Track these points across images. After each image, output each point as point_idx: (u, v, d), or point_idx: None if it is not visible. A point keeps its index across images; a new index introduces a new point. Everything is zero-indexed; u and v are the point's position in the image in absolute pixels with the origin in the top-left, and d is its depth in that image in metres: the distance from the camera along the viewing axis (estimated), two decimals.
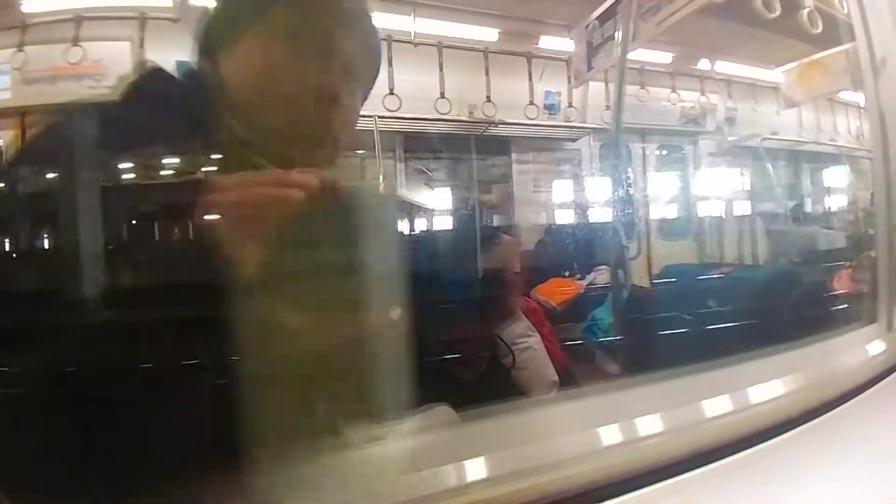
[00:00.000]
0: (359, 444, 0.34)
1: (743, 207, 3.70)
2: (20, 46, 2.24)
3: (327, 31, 0.47)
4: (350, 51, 0.48)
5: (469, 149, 3.46)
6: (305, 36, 0.46)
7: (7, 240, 0.32)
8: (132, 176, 0.36)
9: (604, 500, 0.27)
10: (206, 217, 0.29)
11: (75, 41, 2.25)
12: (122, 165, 0.34)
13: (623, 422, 0.35)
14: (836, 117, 4.09)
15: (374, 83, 0.55)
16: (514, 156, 3.46)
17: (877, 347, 0.61)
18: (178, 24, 2.14)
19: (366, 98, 0.55)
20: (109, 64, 2.28)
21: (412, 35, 2.74)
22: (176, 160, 0.34)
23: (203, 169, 0.31)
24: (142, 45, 2.30)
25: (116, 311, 0.27)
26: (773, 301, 1.62)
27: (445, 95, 2.90)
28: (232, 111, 0.44)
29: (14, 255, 0.31)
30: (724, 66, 3.83)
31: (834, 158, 4.16)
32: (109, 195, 0.33)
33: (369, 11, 0.51)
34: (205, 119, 0.42)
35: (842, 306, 1.50)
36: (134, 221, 0.32)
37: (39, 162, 0.37)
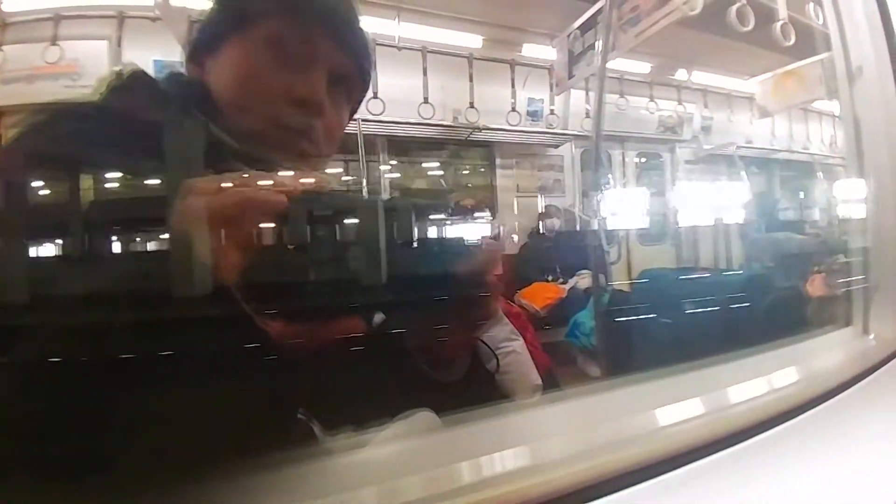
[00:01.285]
0: (340, 451, 0.34)
1: (718, 214, 3.80)
2: None
3: (314, 41, 0.46)
4: (337, 61, 0.48)
5: (452, 153, 3.48)
6: (291, 45, 0.45)
7: None
8: (109, 180, 0.35)
9: (587, 502, 0.27)
10: (182, 221, 0.28)
11: (53, 40, 2.19)
12: (98, 168, 0.33)
13: (605, 423, 0.35)
14: (810, 126, 4.25)
15: (364, 94, 0.55)
16: (497, 161, 3.49)
17: (852, 350, 0.63)
18: (157, 24, 2.10)
19: (356, 109, 0.54)
20: (86, 63, 2.23)
21: (396, 39, 2.75)
22: (154, 164, 0.33)
23: (183, 174, 0.30)
24: (119, 44, 2.25)
25: (82, 316, 0.26)
26: (748, 304, 1.67)
27: (429, 100, 2.91)
28: (215, 116, 0.44)
29: None
30: (701, 77, 3.95)
31: (807, 166, 4.32)
32: (86, 199, 0.32)
33: (359, 21, 0.51)
34: (186, 123, 0.41)
35: (816, 309, 1.55)
36: (110, 226, 0.31)
37: (14, 164, 0.36)
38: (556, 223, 3.22)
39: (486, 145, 3.44)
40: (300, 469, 0.29)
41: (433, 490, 0.26)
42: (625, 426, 0.34)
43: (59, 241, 0.29)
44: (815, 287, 1.64)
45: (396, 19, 2.69)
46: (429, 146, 3.35)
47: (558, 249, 3.09)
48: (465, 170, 3.61)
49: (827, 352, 0.63)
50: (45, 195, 0.31)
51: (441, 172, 3.50)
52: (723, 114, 4.08)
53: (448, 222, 0.34)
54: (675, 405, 0.39)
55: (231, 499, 0.26)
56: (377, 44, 2.59)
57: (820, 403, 0.47)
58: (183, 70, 0.49)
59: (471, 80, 3.06)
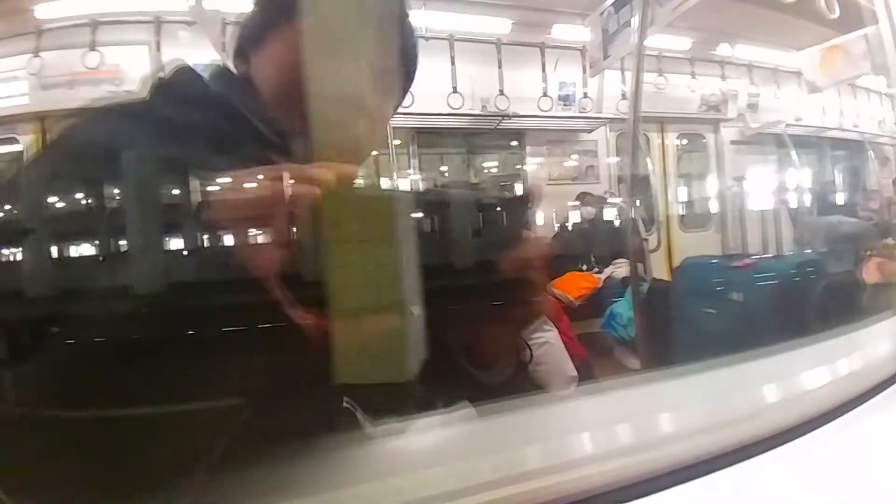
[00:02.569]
0: (379, 439, 0.34)
1: (766, 197, 3.60)
2: (36, 52, 2.28)
3: (359, 38, 0.47)
4: (383, 54, 0.48)
5: (483, 143, 3.44)
6: (336, 42, 0.46)
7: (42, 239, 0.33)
8: (160, 173, 0.36)
9: (622, 502, 0.27)
10: (223, 213, 0.29)
11: (92, 46, 2.29)
12: (149, 162, 0.34)
13: (645, 419, 0.34)
14: (859, 103, 3.94)
15: (409, 88, 0.55)
16: (528, 148, 3.43)
17: None
18: (192, 28, 2.18)
19: (398, 106, 0.54)
20: (127, 68, 2.33)
21: (424, 29, 2.73)
22: (202, 158, 0.34)
23: (227, 168, 0.31)
24: (158, 49, 2.34)
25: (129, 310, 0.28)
26: (798, 292, 1.58)
27: (458, 90, 2.88)
28: (259, 112, 0.45)
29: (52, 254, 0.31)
30: (746, 51, 3.72)
31: (858, 145, 4.01)
32: (139, 192, 0.33)
33: (408, 20, 0.50)
34: (231, 119, 0.42)
35: (871, 296, 1.45)
36: (162, 219, 0.32)
37: (66, 161, 0.37)
38: (590, 211, 3.14)
39: (517, 133, 3.38)
40: (342, 455, 0.30)
41: (467, 482, 0.26)
42: (663, 423, 0.33)
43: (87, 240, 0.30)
44: (870, 273, 1.53)
45: (423, 7, 2.67)
46: (458, 136, 3.32)
47: (593, 238, 3.02)
48: (495, 159, 3.56)
49: (879, 341, 0.59)
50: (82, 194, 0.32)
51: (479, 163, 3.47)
52: (770, 90, 3.84)
53: (489, 217, 0.33)
54: (715, 402, 0.38)
55: (275, 483, 0.27)
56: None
57: (873, 396, 0.44)
58: (229, 66, 0.50)
59: (499, 66, 3.01)
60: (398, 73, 0.50)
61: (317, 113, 0.44)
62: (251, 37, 0.48)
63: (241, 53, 0.49)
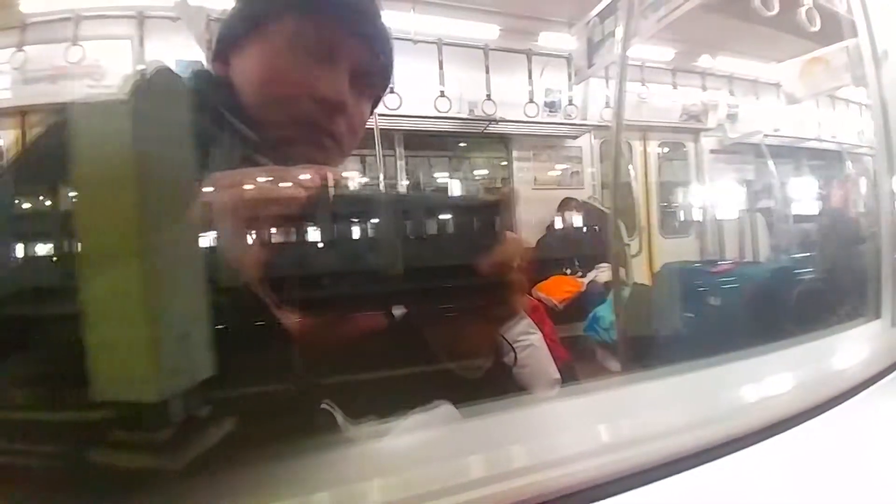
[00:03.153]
0: (360, 441, 0.34)
1: (744, 204, 3.70)
2: (20, 46, 2.23)
3: (337, 38, 0.47)
4: (360, 57, 0.48)
5: (469, 147, 3.45)
6: (316, 43, 0.46)
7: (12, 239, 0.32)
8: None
9: (604, 498, 0.27)
10: (205, 214, 0.29)
11: (75, 40, 2.25)
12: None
13: (625, 419, 0.35)
14: (838, 114, 4.08)
15: (385, 90, 0.55)
16: (514, 153, 3.46)
17: (881, 343, 0.61)
18: (177, 24, 2.14)
19: (376, 105, 0.55)
20: (108, 63, 2.29)
21: (412, 32, 2.73)
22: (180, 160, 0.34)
23: (207, 168, 0.31)
24: (141, 44, 2.30)
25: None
26: (774, 297, 1.62)
27: (445, 94, 2.90)
28: (239, 112, 0.44)
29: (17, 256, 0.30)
30: (727, 63, 3.82)
31: (836, 155, 4.15)
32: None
33: (381, 17, 0.51)
34: (210, 119, 0.42)
35: (843, 302, 1.50)
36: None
37: (43, 161, 0.37)
38: (573, 216, 3.18)
39: (503, 138, 3.41)
40: (322, 457, 0.29)
41: (450, 482, 0.26)
42: (643, 422, 0.34)
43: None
44: (842, 279, 1.59)
45: (412, 11, 2.68)
46: (445, 140, 3.33)
47: (576, 242, 3.05)
48: (481, 163, 3.58)
49: (854, 345, 0.61)
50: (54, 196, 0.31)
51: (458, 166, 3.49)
52: (749, 101, 3.95)
53: (467, 216, 0.34)
54: (694, 402, 0.38)
55: (253, 486, 0.27)
56: (393, 38, 2.58)
57: (847, 399, 0.45)
58: (207, 67, 0.50)
59: (487, 71, 3.03)
60: (375, 72, 0.50)
61: (296, 115, 0.44)
62: (230, 39, 0.48)
63: (221, 55, 0.48)
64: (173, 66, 0.47)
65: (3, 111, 2.23)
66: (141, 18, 2.31)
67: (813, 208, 3.59)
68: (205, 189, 0.29)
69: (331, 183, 0.31)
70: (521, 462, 0.28)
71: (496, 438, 0.31)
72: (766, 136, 3.71)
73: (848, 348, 0.60)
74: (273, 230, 0.30)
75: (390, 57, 0.52)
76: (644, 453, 0.29)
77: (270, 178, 0.30)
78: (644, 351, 1.71)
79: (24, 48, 2.24)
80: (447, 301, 0.34)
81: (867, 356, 0.57)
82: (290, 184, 0.30)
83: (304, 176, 0.30)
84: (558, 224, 3.22)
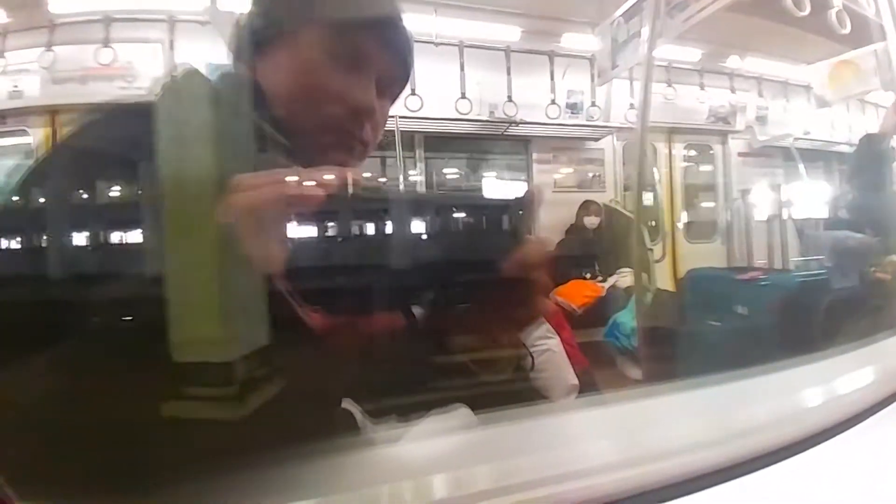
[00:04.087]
0: (379, 444, 0.34)
1: (773, 209, 3.57)
2: (49, 46, 2.29)
3: (365, 44, 0.48)
4: (386, 62, 0.49)
5: (489, 148, 3.44)
6: (346, 51, 0.47)
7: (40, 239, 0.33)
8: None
9: None
10: (234, 213, 0.29)
11: (106, 42, 2.31)
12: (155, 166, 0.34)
13: (645, 433, 0.34)
14: (868, 118, 3.92)
15: (403, 90, 0.56)
16: (534, 155, 3.43)
17: None
18: (206, 28, 2.20)
19: (394, 103, 0.55)
20: (140, 65, 2.36)
21: (434, 35, 2.74)
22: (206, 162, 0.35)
23: (234, 170, 0.31)
24: (172, 48, 2.37)
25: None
26: (804, 307, 1.57)
27: (466, 95, 2.90)
28: (265, 115, 0.45)
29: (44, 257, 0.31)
30: (755, 64, 3.71)
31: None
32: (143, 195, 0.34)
33: (406, 26, 0.52)
34: (237, 122, 0.43)
35: (875, 312, 1.44)
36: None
37: (71, 163, 0.38)
38: (594, 219, 3.13)
39: (524, 140, 3.39)
40: (339, 460, 0.30)
41: (466, 490, 0.26)
42: (662, 437, 0.33)
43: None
44: (873, 288, 1.53)
45: (434, 13, 2.69)
46: (465, 141, 3.33)
47: (597, 246, 3.01)
48: (501, 165, 3.56)
49: (884, 358, 0.59)
50: (99, 191, 0.32)
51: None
52: (779, 103, 3.83)
53: (489, 216, 0.34)
54: (717, 416, 0.37)
55: (274, 483, 0.27)
56: (415, 40, 2.60)
57: (876, 413, 0.44)
58: (237, 69, 0.51)
59: (508, 73, 3.02)
60: (394, 71, 0.51)
61: (324, 120, 0.45)
62: (256, 42, 0.49)
63: (246, 58, 0.49)
64: (203, 70, 0.49)
65: (33, 110, 2.31)
66: (171, 22, 2.38)
67: (844, 214, 3.45)
68: (232, 188, 0.30)
69: (353, 183, 0.32)
70: (539, 473, 0.27)
71: (514, 448, 0.31)
72: (796, 139, 3.59)
73: (877, 361, 0.58)
74: (297, 229, 0.30)
75: (412, 59, 0.53)
76: (663, 469, 0.29)
77: (295, 179, 0.31)
78: (666, 359, 1.67)
79: (54, 48, 2.29)
80: (469, 301, 0.34)
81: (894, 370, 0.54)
82: (314, 183, 0.30)
83: (328, 176, 0.31)
84: (578, 227, 3.18)
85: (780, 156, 3.74)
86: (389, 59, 0.49)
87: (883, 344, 0.62)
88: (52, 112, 2.25)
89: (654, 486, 0.28)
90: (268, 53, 0.48)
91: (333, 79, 0.46)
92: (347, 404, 0.45)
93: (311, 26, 0.47)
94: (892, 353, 0.60)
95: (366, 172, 0.47)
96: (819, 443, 0.37)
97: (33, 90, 2.33)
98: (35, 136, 2.30)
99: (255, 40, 0.49)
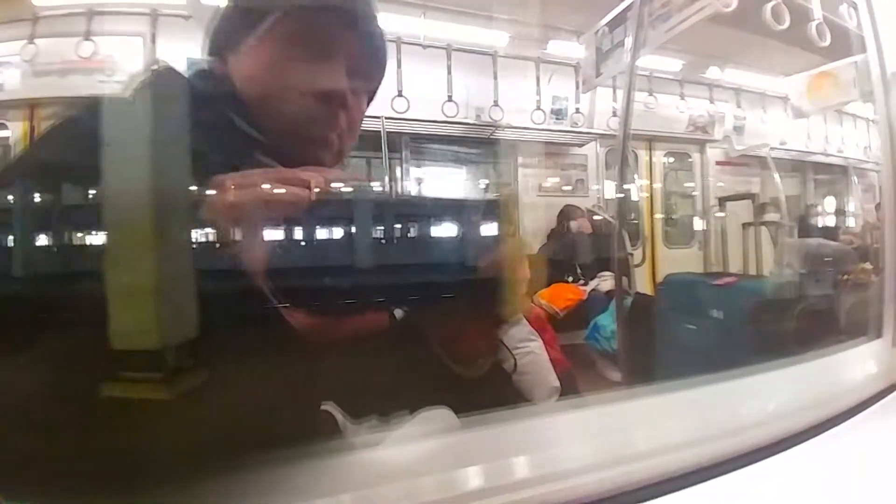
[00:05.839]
0: (361, 447, 0.34)
1: (748, 217, 3.68)
2: (31, 39, 2.24)
3: (334, 34, 0.47)
4: (356, 53, 0.49)
5: (475, 152, 3.46)
6: (312, 38, 0.46)
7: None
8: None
9: None
10: (215, 214, 0.29)
11: (87, 35, 2.26)
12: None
13: (625, 434, 0.34)
14: (845, 129, 4.08)
15: (380, 85, 0.55)
16: (519, 159, 3.46)
17: (882, 363, 0.60)
18: (189, 22, 2.16)
19: (371, 99, 0.55)
20: (121, 59, 2.30)
21: (422, 37, 2.75)
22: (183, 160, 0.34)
23: (213, 168, 0.31)
24: (153, 42, 2.32)
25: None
26: (778, 312, 1.61)
27: (453, 98, 2.91)
28: (240, 111, 0.45)
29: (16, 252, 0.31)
30: (734, 75, 3.82)
31: (842, 170, 4.14)
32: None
33: (376, 14, 0.51)
34: (213, 119, 0.42)
35: (845, 320, 1.49)
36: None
37: (48, 159, 0.37)
38: (576, 223, 3.17)
39: (509, 144, 3.41)
40: (320, 464, 0.29)
41: (448, 493, 0.26)
42: (642, 438, 0.34)
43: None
44: (845, 296, 1.59)
45: (422, 16, 2.69)
46: (451, 144, 3.34)
47: (579, 250, 3.05)
48: (486, 168, 3.58)
49: (855, 364, 0.61)
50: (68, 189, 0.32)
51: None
52: (756, 114, 3.95)
53: (470, 219, 0.34)
54: (694, 418, 0.38)
55: (252, 491, 0.27)
56: (403, 42, 2.60)
57: (847, 418, 0.45)
58: (209, 65, 0.50)
59: (495, 77, 3.04)
60: (365, 59, 0.51)
61: (296, 110, 0.44)
62: (228, 37, 0.48)
63: (219, 53, 0.49)
64: (184, 65, 0.48)
65: (13, 103, 2.24)
66: (154, 16, 2.33)
67: (818, 223, 3.58)
68: (208, 190, 0.29)
69: (331, 184, 0.32)
70: (521, 475, 0.28)
71: (496, 450, 0.31)
72: (772, 148, 3.70)
73: (849, 367, 0.60)
74: (276, 230, 0.30)
75: (383, 48, 0.53)
76: (644, 469, 0.29)
77: (273, 180, 0.30)
78: (645, 361, 1.70)
79: (35, 41, 2.24)
80: (448, 299, 0.34)
81: (867, 376, 0.56)
82: (292, 185, 0.30)
83: (306, 177, 0.30)
84: (560, 231, 3.21)
85: (756, 165, 3.85)
86: (359, 47, 0.49)
87: (856, 350, 0.64)
88: (31, 105, 2.18)
89: (635, 485, 0.29)
90: (240, 47, 0.47)
91: (301, 67, 0.46)
92: (328, 406, 0.45)
93: (278, 16, 0.46)
94: (864, 359, 0.62)
95: (345, 173, 0.46)
96: (795, 444, 0.39)
97: (14, 83, 2.26)
98: (14, 130, 2.22)
99: (228, 34, 0.48)
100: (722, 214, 3.77)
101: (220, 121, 0.42)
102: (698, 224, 3.94)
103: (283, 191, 0.30)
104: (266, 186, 0.30)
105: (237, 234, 0.29)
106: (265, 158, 0.43)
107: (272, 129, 0.44)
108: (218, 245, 0.29)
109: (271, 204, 0.30)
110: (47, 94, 2.18)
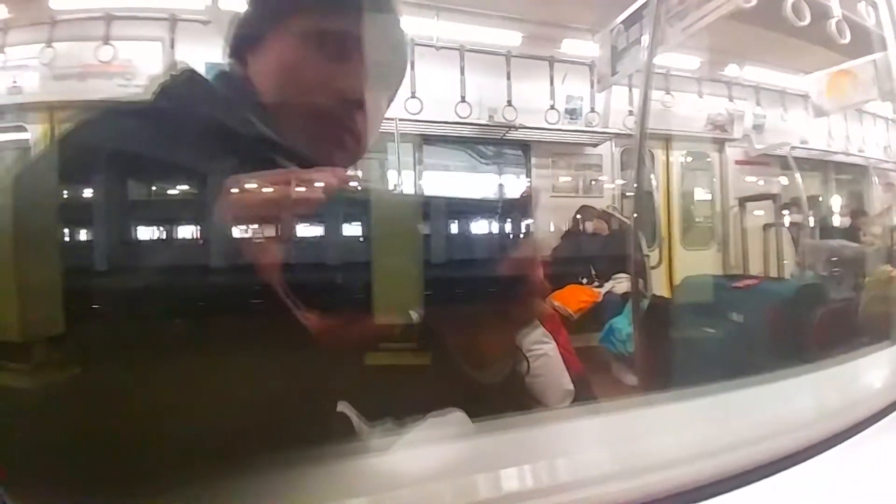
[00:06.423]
0: (374, 451, 0.34)
1: (769, 218, 3.60)
2: (49, 42, 2.27)
3: (354, 36, 0.47)
4: (376, 55, 0.49)
5: (488, 152, 3.45)
6: (332, 40, 0.46)
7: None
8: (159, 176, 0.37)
9: None
10: (226, 216, 0.29)
11: (106, 39, 2.30)
12: (149, 165, 0.34)
13: (641, 442, 0.34)
14: (865, 129, 3.96)
15: (399, 87, 0.55)
16: (533, 160, 3.44)
17: None
18: (208, 27, 2.20)
19: (391, 102, 0.55)
20: (140, 63, 2.35)
21: (435, 38, 2.75)
22: (202, 161, 0.35)
23: (230, 170, 0.31)
24: (172, 46, 2.36)
25: (132, 311, 0.28)
26: (798, 316, 1.57)
27: (466, 99, 2.91)
28: (259, 113, 0.45)
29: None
30: (754, 73, 3.74)
31: (863, 170, 4.03)
32: (137, 195, 0.34)
33: (398, 16, 0.51)
34: (233, 121, 0.42)
35: (866, 323, 1.45)
36: (161, 221, 0.33)
37: (68, 160, 0.38)
38: (591, 224, 3.14)
39: (522, 144, 3.40)
40: (337, 466, 0.29)
41: (460, 500, 0.26)
42: (660, 446, 0.33)
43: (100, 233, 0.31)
44: (866, 299, 1.53)
45: (436, 17, 2.70)
46: (464, 144, 3.34)
47: (594, 252, 3.01)
48: (499, 169, 3.57)
49: (876, 370, 0.59)
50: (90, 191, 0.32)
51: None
52: (776, 112, 3.85)
53: (486, 217, 0.34)
54: (711, 427, 0.37)
55: (267, 493, 0.27)
56: (416, 43, 2.61)
57: (869, 426, 0.44)
58: (229, 68, 0.50)
59: (508, 77, 3.03)
60: (390, 69, 0.51)
61: (314, 112, 0.45)
62: (247, 39, 0.48)
63: (238, 55, 0.49)
64: (202, 69, 0.49)
65: (32, 106, 2.29)
66: (173, 20, 2.37)
67: (839, 223, 3.48)
68: (226, 192, 0.30)
69: (346, 184, 0.32)
70: (537, 483, 0.27)
71: (511, 457, 0.30)
72: (793, 147, 3.61)
73: (870, 373, 0.58)
74: (290, 231, 0.30)
75: (403, 49, 0.53)
76: (661, 480, 0.28)
77: (286, 181, 0.31)
78: (661, 365, 1.68)
79: (54, 44, 2.28)
80: (465, 302, 0.34)
81: (889, 382, 0.54)
82: (307, 187, 0.30)
83: (321, 178, 0.31)
84: (575, 232, 3.18)
85: (776, 164, 3.76)
86: (378, 47, 0.49)
87: (878, 355, 0.62)
88: (50, 109, 2.23)
89: (652, 497, 0.28)
90: (258, 49, 0.48)
91: (319, 68, 0.46)
92: (343, 407, 0.45)
93: (295, 16, 0.46)
94: (886, 365, 0.60)
95: (360, 173, 0.46)
96: (818, 454, 0.37)
97: (32, 86, 2.32)
98: (33, 133, 2.28)
99: (247, 37, 0.49)
100: (741, 215, 3.69)
101: (238, 122, 0.43)
102: (717, 225, 3.87)
103: (296, 192, 0.30)
104: (279, 187, 0.30)
105: (251, 234, 0.30)
106: (281, 159, 0.43)
107: (290, 130, 0.45)
108: (232, 245, 0.29)
109: (284, 204, 0.30)
110: (66, 97, 2.22)
